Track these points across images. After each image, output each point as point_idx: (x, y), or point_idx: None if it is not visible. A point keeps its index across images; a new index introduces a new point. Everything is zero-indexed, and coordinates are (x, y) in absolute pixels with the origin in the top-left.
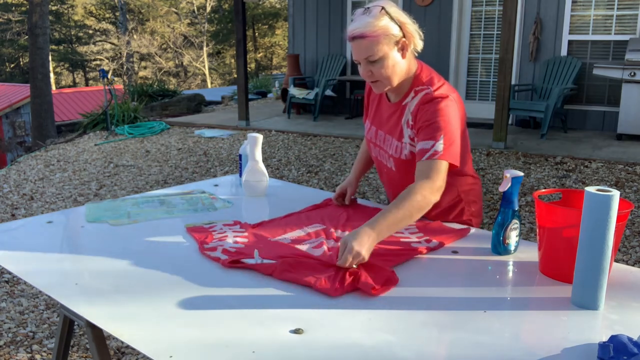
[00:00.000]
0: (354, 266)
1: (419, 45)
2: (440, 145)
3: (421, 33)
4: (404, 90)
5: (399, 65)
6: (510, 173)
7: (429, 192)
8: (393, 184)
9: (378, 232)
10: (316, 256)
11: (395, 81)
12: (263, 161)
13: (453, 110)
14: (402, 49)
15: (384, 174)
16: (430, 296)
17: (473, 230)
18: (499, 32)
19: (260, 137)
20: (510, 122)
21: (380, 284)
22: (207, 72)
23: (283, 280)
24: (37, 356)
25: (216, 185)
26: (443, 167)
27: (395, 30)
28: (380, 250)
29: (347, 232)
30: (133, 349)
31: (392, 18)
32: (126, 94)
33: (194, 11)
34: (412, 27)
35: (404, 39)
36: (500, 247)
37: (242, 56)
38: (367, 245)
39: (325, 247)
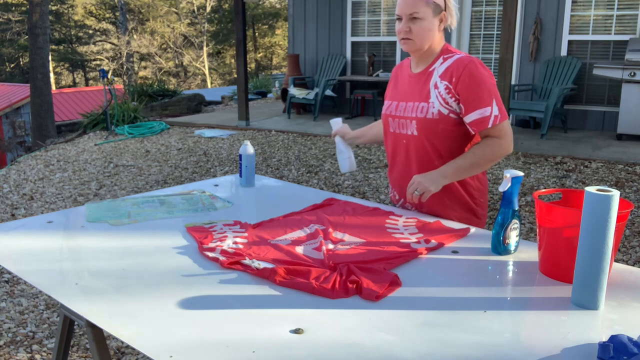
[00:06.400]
0: (422, 198)
1: (454, 24)
2: (495, 109)
3: (459, 15)
4: (431, 59)
5: (433, 33)
6: (510, 173)
7: (499, 147)
8: (409, 157)
9: (445, 175)
10: (314, 259)
11: (425, 45)
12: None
13: (486, 70)
14: (440, 21)
15: (402, 145)
16: (430, 296)
17: (473, 230)
18: (499, 32)
19: (340, 120)
20: (510, 122)
21: (383, 289)
22: (207, 72)
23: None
24: (37, 356)
25: (216, 185)
26: (506, 125)
27: (441, 2)
28: (380, 253)
29: (346, 234)
30: (133, 349)
31: None
32: (126, 94)
33: (194, 11)
34: (454, 8)
35: (444, 13)
36: (500, 247)
37: (242, 56)
38: (437, 182)
39: (324, 249)
